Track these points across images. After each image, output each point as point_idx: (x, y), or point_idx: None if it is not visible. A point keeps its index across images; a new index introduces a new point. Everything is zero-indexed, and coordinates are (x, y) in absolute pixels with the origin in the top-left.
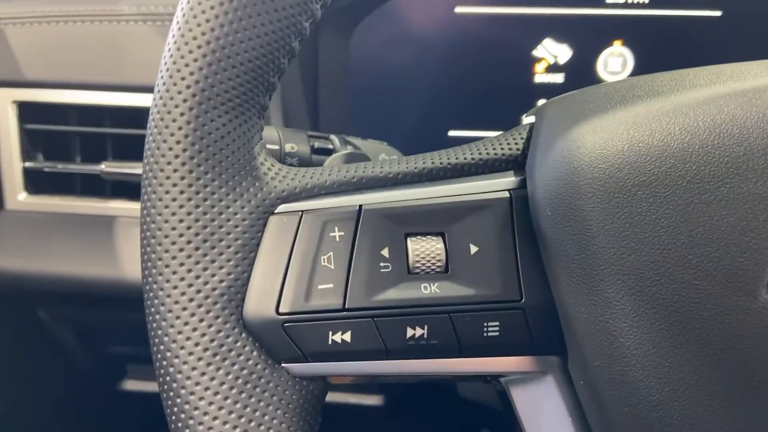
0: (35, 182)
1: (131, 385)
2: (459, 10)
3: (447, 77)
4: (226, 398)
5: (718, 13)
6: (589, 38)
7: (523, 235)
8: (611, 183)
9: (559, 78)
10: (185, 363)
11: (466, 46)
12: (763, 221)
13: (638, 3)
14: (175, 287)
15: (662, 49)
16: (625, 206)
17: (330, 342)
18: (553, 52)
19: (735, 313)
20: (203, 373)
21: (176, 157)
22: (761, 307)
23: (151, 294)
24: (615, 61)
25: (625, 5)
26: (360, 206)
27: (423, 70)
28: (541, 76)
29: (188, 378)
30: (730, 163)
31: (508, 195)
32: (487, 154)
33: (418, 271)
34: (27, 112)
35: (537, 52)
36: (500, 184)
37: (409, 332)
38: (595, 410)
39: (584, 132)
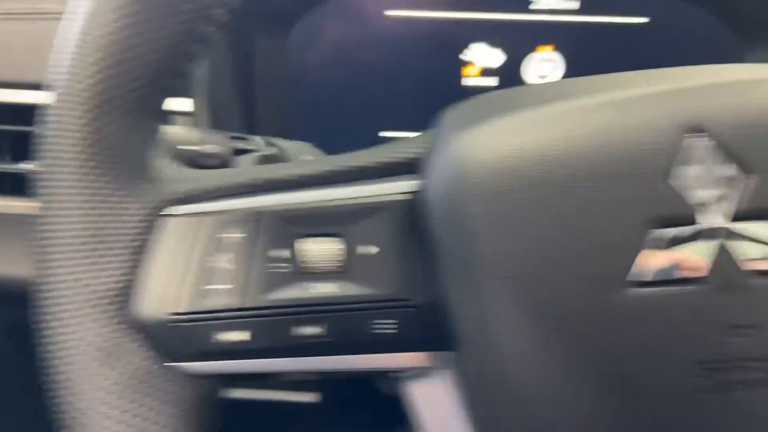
0: None
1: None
2: (389, 13)
3: (379, 79)
4: (119, 398)
5: (645, 20)
6: (519, 43)
7: (420, 237)
8: (493, 187)
9: (491, 81)
10: (78, 363)
11: (397, 48)
12: (626, 225)
13: (567, 10)
14: (69, 287)
15: (592, 54)
16: (505, 210)
17: (226, 340)
18: (483, 55)
19: (602, 309)
20: (97, 374)
21: (72, 158)
22: (626, 303)
23: (45, 294)
24: (546, 66)
25: (555, 11)
26: (258, 208)
27: (356, 72)
28: (472, 80)
29: (81, 378)
30: (599, 170)
31: (407, 197)
32: (391, 157)
33: (316, 271)
34: None
35: (467, 56)
36: (400, 187)
37: (307, 330)
38: (477, 406)
39: (472, 137)
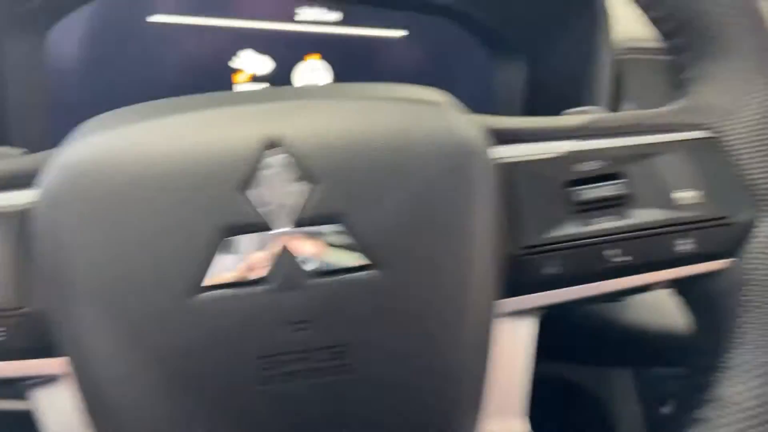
0: None
1: None
2: (151, 19)
3: (145, 86)
4: None
5: (404, 33)
6: (286, 52)
7: (35, 246)
8: (79, 200)
9: (261, 88)
10: None
11: (162, 55)
12: (202, 233)
13: (330, 21)
14: None
15: (356, 63)
16: (90, 222)
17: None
18: (251, 63)
19: (178, 314)
20: None
21: None
22: (199, 307)
23: None
24: (314, 74)
25: (320, 22)
26: None
27: (120, 79)
28: (242, 86)
29: None
30: (178, 182)
31: (20, 209)
32: (12, 168)
33: None
34: None
35: (236, 63)
36: (17, 198)
37: None
38: (89, 411)
39: (71, 150)
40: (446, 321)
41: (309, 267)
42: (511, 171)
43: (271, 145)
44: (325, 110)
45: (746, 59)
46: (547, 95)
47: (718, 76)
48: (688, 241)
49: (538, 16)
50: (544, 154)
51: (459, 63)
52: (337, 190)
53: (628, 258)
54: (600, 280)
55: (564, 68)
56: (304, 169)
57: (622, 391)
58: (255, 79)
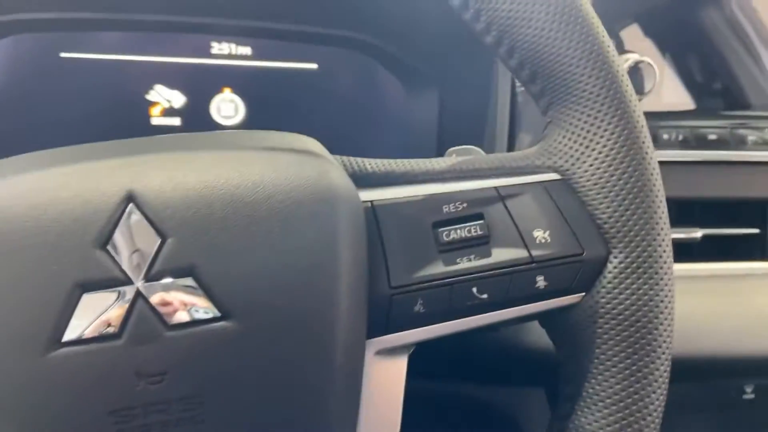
0: None
1: None
2: (64, 54)
3: (63, 120)
4: None
5: (314, 66)
6: (200, 85)
7: None
8: None
9: (176, 121)
10: None
11: (78, 90)
12: (60, 290)
13: (242, 55)
14: None
15: (269, 96)
16: None
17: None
18: (166, 96)
19: (36, 371)
20: None
21: None
22: (57, 363)
23: None
24: (227, 107)
25: (231, 56)
26: None
27: (37, 114)
28: (158, 119)
29: None
30: (37, 239)
31: None
32: None
33: None
34: None
35: (151, 96)
36: None
37: None
38: None
39: None
40: (312, 366)
41: (164, 320)
42: (380, 213)
43: (127, 199)
44: (182, 162)
45: (592, 105)
46: (458, 125)
47: (568, 121)
48: (543, 277)
49: (446, 48)
50: (412, 196)
51: (372, 95)
52: (190, 243)
53: (489, 295)
54: (466, 316)
55: (470, 99)
56: (158, 223)
57: (537, 411)
58: (171, 111)
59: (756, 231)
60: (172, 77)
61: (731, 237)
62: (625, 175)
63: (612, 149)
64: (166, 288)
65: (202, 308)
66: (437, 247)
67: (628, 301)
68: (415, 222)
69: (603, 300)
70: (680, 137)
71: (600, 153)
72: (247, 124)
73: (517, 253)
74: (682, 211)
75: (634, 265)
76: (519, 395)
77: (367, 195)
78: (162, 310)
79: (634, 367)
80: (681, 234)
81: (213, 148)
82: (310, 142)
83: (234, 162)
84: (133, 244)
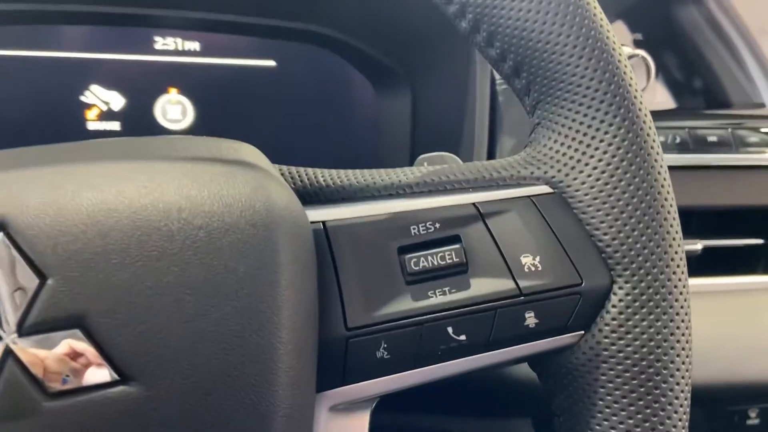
0: None
1: None
2: None
3: None
4: None
5: (272, 63)
6: (142, 85)
7: None
8: None
9: (114, 125)
10: None
11: (2, 91)
12: None
13: (190, 51)
14: None
15: (221, 96)
16: None
17: None
18: (103, 98)
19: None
20: None
21: None
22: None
23: None
24: (174, 110)
25: (177, 52)
26: None
27: None
28: (94, 124)
29: None
30: None
31: None
32: None
33: None
34: None
35: (87, 98)
36: None
37: None
38: None
39: None
40: (242, 429)
41: (43, 387)
42: (334, 236)
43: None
44: (72, 178)
45: (590, 102)
46: (434, 129)
47: (560, 122)
48: (533, 314)
49: (419, 42)
50: (374, 215)
51: (338, 96)
52: (77, 284)
53: (467, 336)
54: (440, 362)
55: (446, 99)
56: (36, 259)
57: None
58: (109, 115)
59: (761, 242)
60: (109, 76)
61: (734, 249)
62: (631, 187)
63: (614, 156)
64: (45, 343)
65: (95, 369)
66: (404, 278)
67: (637, 342)
68: (378, 247)
69: (606, 340)
70: (677, 139)
71: (600, 160)
72: (197, 128)
73: (502, 285)
74: (681, 222)
75: (644, 297)
76: (503, 428)
77: (319, 214)
78: (39, 373)
79: (646, 424)
80: None
81: (114, 158)
82: (244, 150)
83: (142, 176)
84: (3, 285)
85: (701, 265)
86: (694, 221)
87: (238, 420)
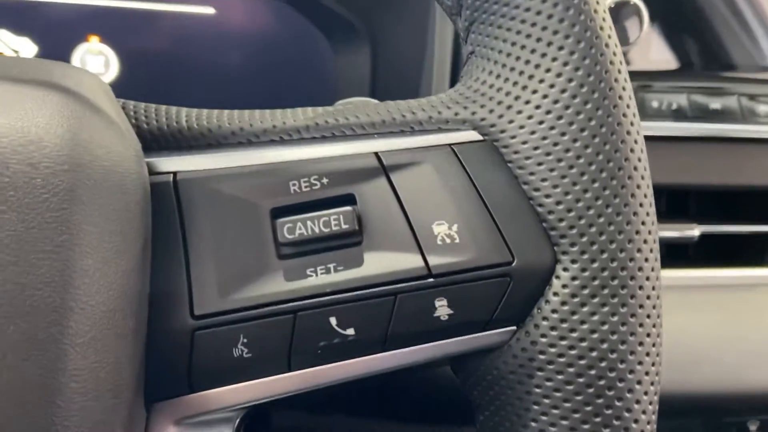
0: None
1: None
2: None
3: None
4: None
5: (210, 11)
6: (57, 31)
7: None
8: None
9: None
10: None
11: None
12: None
13: None
14: None
15: (149, 48)
16: None
17: None
18: (13, 45)
19: None
20: None
21: None
22: None
23: None
24: (95, 60)
25: None
26: None
27: None
28: None
29: None
30: None
31: None
32: None
33: None
34: None
35: None
36: None
37: None
38: None
39: None
40: None
41: None
42: (186, 192)
43: None
44: None
45: (535, 18)
46: (392, 85)
47: (497, 47)
48: (446, 302)
49: None
50: (241, 166)
51: (287, 51)
52: None
53: (357, 330)
54: (320, 364)
55: (405, 49)
56: None
57: None
58: None
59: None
60: (20, 20)
61: (737, 236)
62: (585, 132)
63: (564, 90)
64: None
65: None
66: (276, 250)
67: (585, 344)
68: (243, 207)
69: (544, 340)
70: (673, 105)
71: (545, 96)
72: (121, 83)
73: (405, 261)
74: (675, 203)
75: (597, 282)
76: None
77: (169, 163)
78: None
79: None
80: (673, 232)
81: None
82: (76, 75)
83: None
84: None
85: (698, 254)
86: (691, 203)
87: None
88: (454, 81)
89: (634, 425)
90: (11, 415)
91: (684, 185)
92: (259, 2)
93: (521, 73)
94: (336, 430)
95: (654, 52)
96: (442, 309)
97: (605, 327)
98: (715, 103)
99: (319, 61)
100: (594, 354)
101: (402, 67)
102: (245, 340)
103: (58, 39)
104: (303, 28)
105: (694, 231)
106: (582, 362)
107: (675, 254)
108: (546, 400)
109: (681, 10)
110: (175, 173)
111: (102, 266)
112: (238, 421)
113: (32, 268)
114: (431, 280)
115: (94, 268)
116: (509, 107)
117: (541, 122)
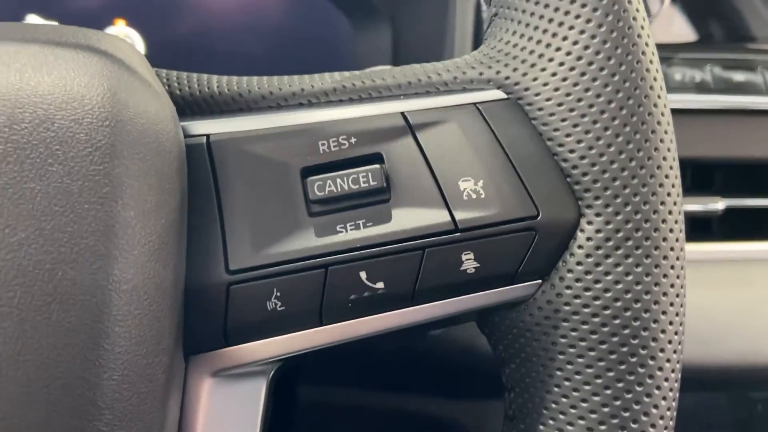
0: None
1: None
2: None
3: None
4: None
5: None
6: (84, 15)
7: None
8: None
9: None
10: None
11: None
12: None
13: None
14: None
15: (175, 32)
16: None
17: None
18: None
19: None
20: None
21: None
22: None
23: None
24: None
25: None
26: None
27: None
28: None
29: None
30: None
31: None
32: None
33: None
34: None
35: None
36: None
37: None
38: None
39: None
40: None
41: None
42: (219, 153)
43: None
44: None
45: None
46: (413, 56)
47: (522, 7)
48: (473, 256)
49: None
50: (272, 128)
51: (311, 32)
52: None
53: (386, 284)
54: (351, 318)
55: (426, 26)
56: None
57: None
58: None
59: None
60: (47, 4)
61: (762, 210)
62: (609, 88)
63: (587, 47)
64: None
65: None
66: (307, 208)
67: (609, 295)
68: (274, 167)
69: (569, 292)
70: (696, 78)
71: (569, 53)
72: None
73: (433, 217)
74: (699, 176)
75: (621, 234)
76: (476, 410)
77: (203, 126)
78: None
79: (617, 402)
80: (697, 205)
81: None
82: (113, 41)
83: None
84: None
85: (723, 227)
86: (717, 176)
87: (56, 376)
88: None
89: (658, 373)
90: (60, 356)
91: (708, 158)
92: None
93: (545, 31)
94: (363, 405)
95: (675, 26)
96: (469, 263)
97: (629, 277)
98: (739, 76)
99: (339, 40)
100: (619, 304)
101: (422, 44)
102: (278, 294)
103: (84, 22)
104: (323, 7)
105: (718, 204)
106: (607, 312)
107: (699, 228)
108: (571, 350)
109: None
110: (208, 136)
111: (142, 218)
112: (271, 374)
113: (78, 217)
114: (458, 234)
115: (135, 220)
116: (533, 65)
117: (564, 78)
